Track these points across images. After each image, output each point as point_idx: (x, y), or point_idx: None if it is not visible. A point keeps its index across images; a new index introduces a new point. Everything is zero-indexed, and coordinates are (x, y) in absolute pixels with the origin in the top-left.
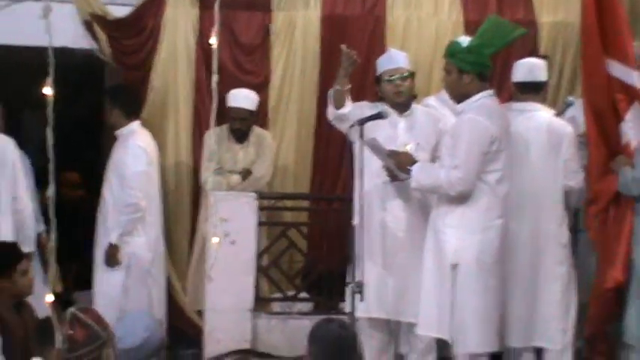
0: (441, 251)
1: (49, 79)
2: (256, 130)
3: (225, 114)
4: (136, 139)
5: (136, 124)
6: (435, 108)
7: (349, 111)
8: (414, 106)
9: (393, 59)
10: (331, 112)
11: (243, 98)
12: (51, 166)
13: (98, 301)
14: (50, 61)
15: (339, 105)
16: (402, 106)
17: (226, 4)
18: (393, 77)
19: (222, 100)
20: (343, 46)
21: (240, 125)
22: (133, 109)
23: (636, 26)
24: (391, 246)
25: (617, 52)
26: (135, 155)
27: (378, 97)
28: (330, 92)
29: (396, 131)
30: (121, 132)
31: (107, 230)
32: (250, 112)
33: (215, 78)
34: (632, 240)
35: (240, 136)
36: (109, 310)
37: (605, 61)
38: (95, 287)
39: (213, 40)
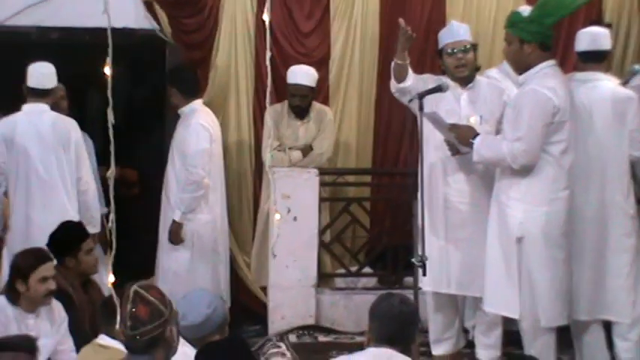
0: (505, 224)
1: (109, 60)
2: (317, 106)
3: (285, 90)
4: (198, 118)
5: (197, 103)
6: (496, 80)
7: (411, 84)
8: (478, 78)
9: (455, 32)
10: (393, 85)
11: (302, 75)
12: (112, 147)
13: (165, 279)
14: (109, 41)
15: (400, 78)
16: (465, 78)
17: None
18: (454, 50)
19: (282, 77)
20: (401, 21)
21: (300, 102)
22: (190, 90)
23: None
24: (454, 220)
25: None
26: (196, 133)
27: (440, 71)
28: (392, 65)
29: (458, 104)
30: (183, 111)
31: (171, 208)
32: (310, 88)
33: (268, 55)
34: None
35: (300, 112)
36: (176, 288)
37: None
38: (160, 266)
39: (266, 17)
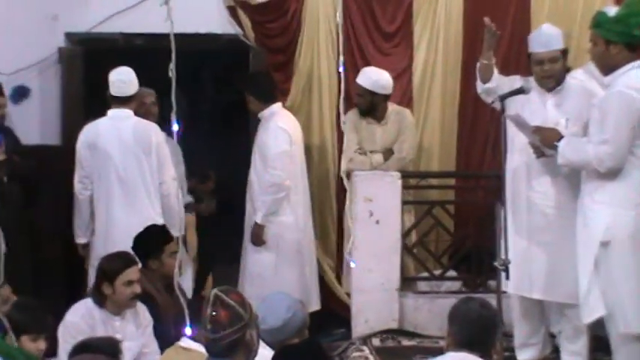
0: (590, 229)
1: (172, 65)
2: (395, 108)
3: (362, 99)
4: (277, 121)
5: (276, 106)
6: (582, 81)
7: (496, 85)
8: (568, 80)
9: (544, 41)
10: (479, 85)
11: (361, 74)
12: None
13: (251, 282)
14: (172, 46)
15: (486, 79)
16: (554, 84)
17: None
18: (542, 60)
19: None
20: (486, 19)
21: (357, 100)
22: (266, 94)
23: None
24: (538, 223)
25: None
26: (276, 136)
27: (528, 72)
28: (478, 66)
29: (545, 107)
30: (262, 115)
31: (254, 211)
32: (365, 89)
33: (341, 59)
34: None
35: (362, 112)
36: (262, 291)
37: None
38: (245, 269)
39: (339, 19)
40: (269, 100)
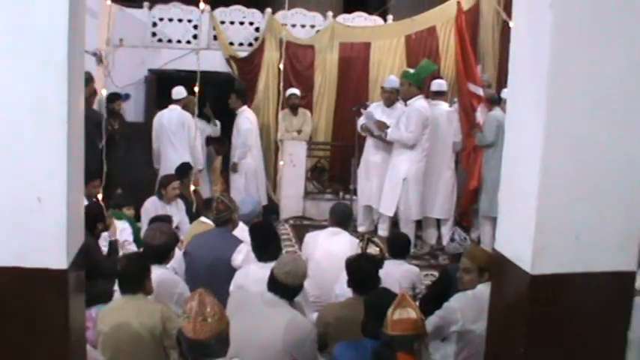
0: (398, 172)
1: (196, 88)
2: (301, 109)
3: (288, 102)
4: (244, 114)
5: (245, 107)
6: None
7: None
8: (398, 104)
9: (389, 81)
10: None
11: (294, 89)
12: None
13: (235, 192)
14: (197, 77)
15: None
16: (390, 105)
17: (292, 47)
18: (386, 90)
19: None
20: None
21: (294, 100)
22: (242, 98)
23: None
24: (371, 169)
25: (471, 77)
26: (243, 121)
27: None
28: (365, 127)
29: (383, 116)
30: (238, 111)
31: (233, 156)
32: (298, 95)
33: (282, 84)
34: (483, 167)
35: (295, 108)
36: (241, 196)
37: (466, 83)
38: (233, 186)
39: (282, 66)
40: (242, 102)
